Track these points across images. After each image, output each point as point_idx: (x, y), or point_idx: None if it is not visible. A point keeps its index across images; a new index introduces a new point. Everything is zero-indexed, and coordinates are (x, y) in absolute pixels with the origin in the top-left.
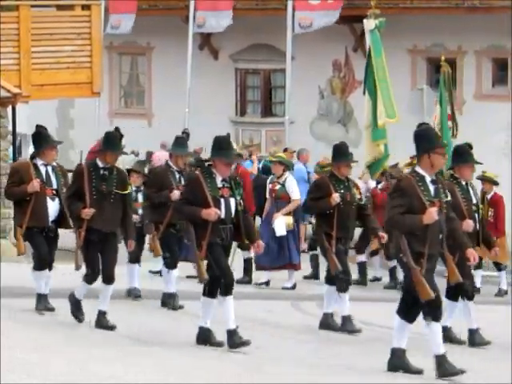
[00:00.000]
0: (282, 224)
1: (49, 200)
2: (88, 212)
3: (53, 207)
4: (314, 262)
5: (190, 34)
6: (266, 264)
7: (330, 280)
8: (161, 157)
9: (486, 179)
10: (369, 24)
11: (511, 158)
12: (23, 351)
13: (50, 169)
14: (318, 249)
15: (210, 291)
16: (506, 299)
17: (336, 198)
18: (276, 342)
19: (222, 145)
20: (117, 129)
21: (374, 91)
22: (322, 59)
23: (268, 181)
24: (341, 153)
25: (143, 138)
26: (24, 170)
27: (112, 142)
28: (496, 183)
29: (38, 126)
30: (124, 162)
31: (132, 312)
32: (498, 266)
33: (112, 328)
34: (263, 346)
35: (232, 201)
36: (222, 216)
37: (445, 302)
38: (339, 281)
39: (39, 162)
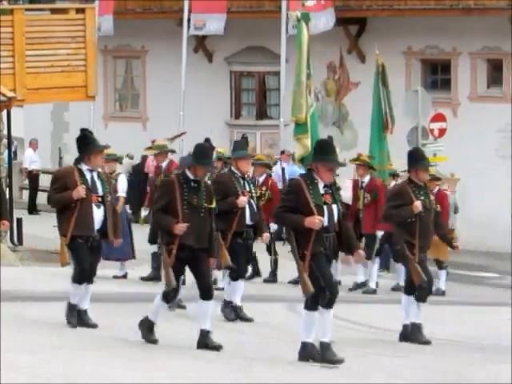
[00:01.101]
0: None
1: (94, 207)
2: (182, 227)
3: (98, 215)
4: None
5: (185, 36)
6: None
7: (409, 290)
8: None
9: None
10: (292, 16)
11: None
12: (16, 352)
13: (95, 175)
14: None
15: (313, 304)
16: (449, 300)
17: (418, 205)
18: (272, 343)
19: (324, 149)
20: (207, 140)
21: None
22: (317, 61)
23: None
24: (418, 157)
25: (138, 142)
26: (68, 176)
27: (203, 154)
28: (396, 176)
29: (82, 130)
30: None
31: (127, 315)
32: (440, 265)
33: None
34: (259, 347)
35: (334, 207)
36: (326, 224)
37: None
38: (421, 291)
39: (84, 168)
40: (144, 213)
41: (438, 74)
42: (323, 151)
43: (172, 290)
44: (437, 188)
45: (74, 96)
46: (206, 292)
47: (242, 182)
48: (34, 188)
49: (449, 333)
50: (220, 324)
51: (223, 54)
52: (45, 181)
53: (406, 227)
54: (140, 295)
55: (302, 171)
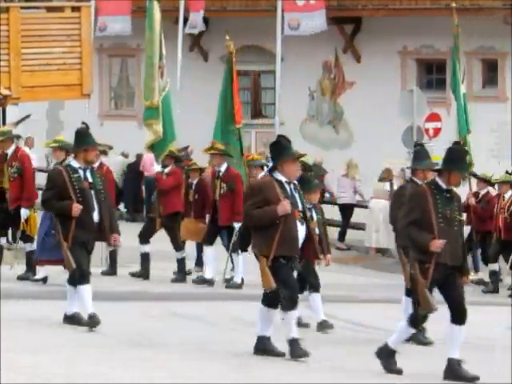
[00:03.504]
0: None
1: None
2: (439, 244)
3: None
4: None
5: (180, 35)
6: (45, 258)
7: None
8: (151, 158)
9: None
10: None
11: None
12: (15, 352)
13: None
14: None
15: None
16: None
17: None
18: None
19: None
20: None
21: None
22: (312, 60)
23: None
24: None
25: (133, 140)
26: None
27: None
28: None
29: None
30: (110, 163)
31: (127, 314)
32: None
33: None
34: (251, 346)
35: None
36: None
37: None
38: None
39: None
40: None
41: (433, 74)
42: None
43: (425, 315)
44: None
45: (69, 94)
46: (460, 316)
47: None
48: None
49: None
50: (220, 324)
51: (218, 52)
52: (39, 179)
53: None
54: (140, 294)
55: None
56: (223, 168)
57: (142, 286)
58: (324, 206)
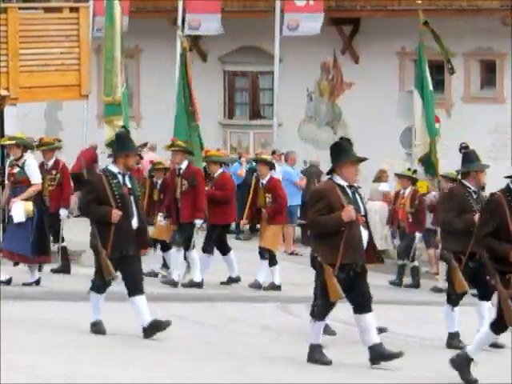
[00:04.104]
0: (20, 210)
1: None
2: None
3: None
4: None
5: (179, 36)
6: (7, 249)
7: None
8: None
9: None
10: None
11: None
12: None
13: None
14: None
15: None
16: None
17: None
18: (264, 343)
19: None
20: None
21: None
22: (311, 61)
23: (7, 164)
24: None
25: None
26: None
27: None
28: (272, 166)
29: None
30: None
31: (127, 314)
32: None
33: None
34: (251, 347)
35: None
36: None
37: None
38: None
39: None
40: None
41: (431, 75)
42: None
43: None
44: (268, 176)
45: (67, 95)
46: None
47: (474, 196)
48: None
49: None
50: (221, 326)
51: (217, 53)
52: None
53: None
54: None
55: (296, 172)
56: (184, 165)
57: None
58: None
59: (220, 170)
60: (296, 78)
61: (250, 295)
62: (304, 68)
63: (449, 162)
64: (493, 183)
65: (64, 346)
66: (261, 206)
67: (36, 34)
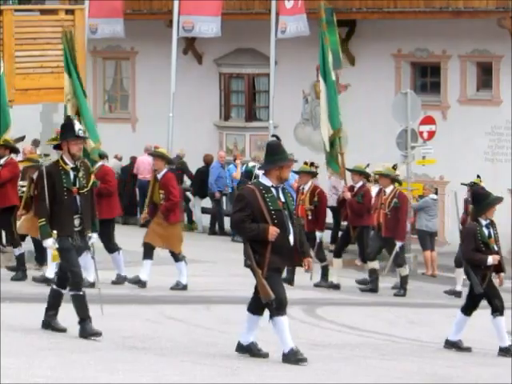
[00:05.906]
0: None
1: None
2: None
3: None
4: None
5: (174, 38)
6: None
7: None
8: (144, 161)
9: None
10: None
11: None
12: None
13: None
14: None
15: None
16: (442, 303)
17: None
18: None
19: None
20: None
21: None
22: (306, 64)
23: None
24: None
25: (127, 143)
26: None
27: None
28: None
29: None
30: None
31: (114, 317)
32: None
33: None
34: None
35: None
36: None
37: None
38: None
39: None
40: None
41: (427, 77)
42: None
43: None
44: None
45: (63, 97)
46: None
47: None
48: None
49: (442, 336)
50: (209, 327)
51: (213, 55)
52: None
53: None
54: (131, 297)
55: (292, 175)
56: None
57: (134, 289)
58: None
59: (103, 164)
60: (292, 80)
61: (241, 296)
62: (300, 70)
63: (439, 165)
64: (489, 184)
65: (50, 349)
66: (156, 202)
67: (31, 36)
